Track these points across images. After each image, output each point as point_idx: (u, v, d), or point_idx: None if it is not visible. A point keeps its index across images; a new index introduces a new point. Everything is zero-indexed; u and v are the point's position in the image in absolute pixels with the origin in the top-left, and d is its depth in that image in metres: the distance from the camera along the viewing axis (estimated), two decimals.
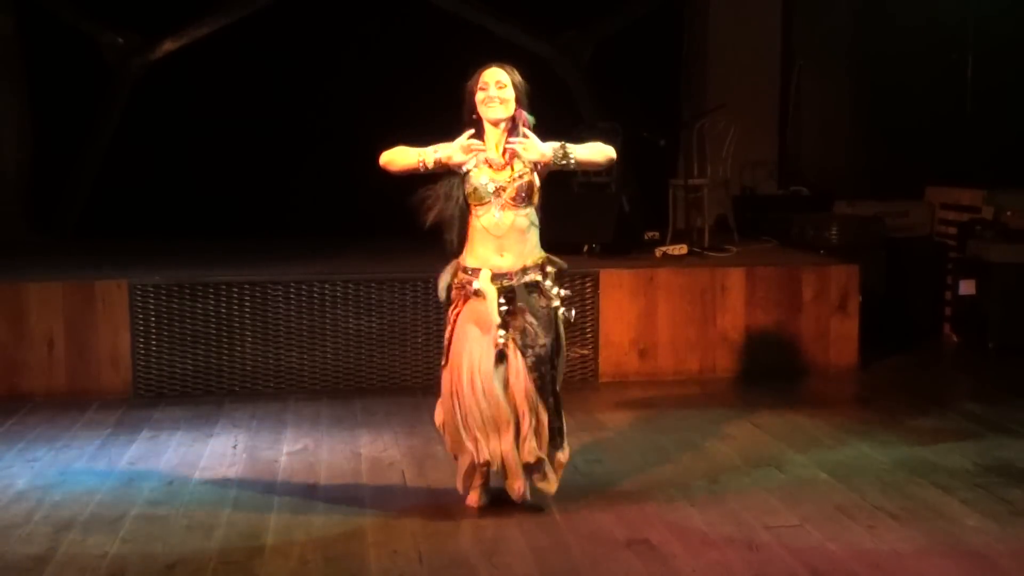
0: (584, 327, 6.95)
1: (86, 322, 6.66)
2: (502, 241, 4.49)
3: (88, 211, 9.68)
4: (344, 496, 4.91)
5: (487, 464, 4.51)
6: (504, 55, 4.64)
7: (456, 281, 4.58)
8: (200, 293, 6.75)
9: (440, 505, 4.70)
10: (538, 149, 4.46)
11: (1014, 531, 4.41)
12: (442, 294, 4.64)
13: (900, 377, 7.22)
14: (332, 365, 6.88)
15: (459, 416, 4.51)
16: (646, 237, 8.25)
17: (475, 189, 4.49)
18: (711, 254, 7.84)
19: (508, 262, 4.51)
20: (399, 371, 6.94)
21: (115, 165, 9.67)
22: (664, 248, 7.78)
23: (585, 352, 6.91)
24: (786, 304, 7.21)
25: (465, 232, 4.55)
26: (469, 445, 4.49)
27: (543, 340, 4.49)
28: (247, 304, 6.79)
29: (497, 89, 4.48)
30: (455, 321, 4.56)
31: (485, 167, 4.51)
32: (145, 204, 9.61)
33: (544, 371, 4.50)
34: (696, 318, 7.11)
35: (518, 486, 4.52)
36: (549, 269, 4.59)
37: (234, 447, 5.69)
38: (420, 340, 6.92)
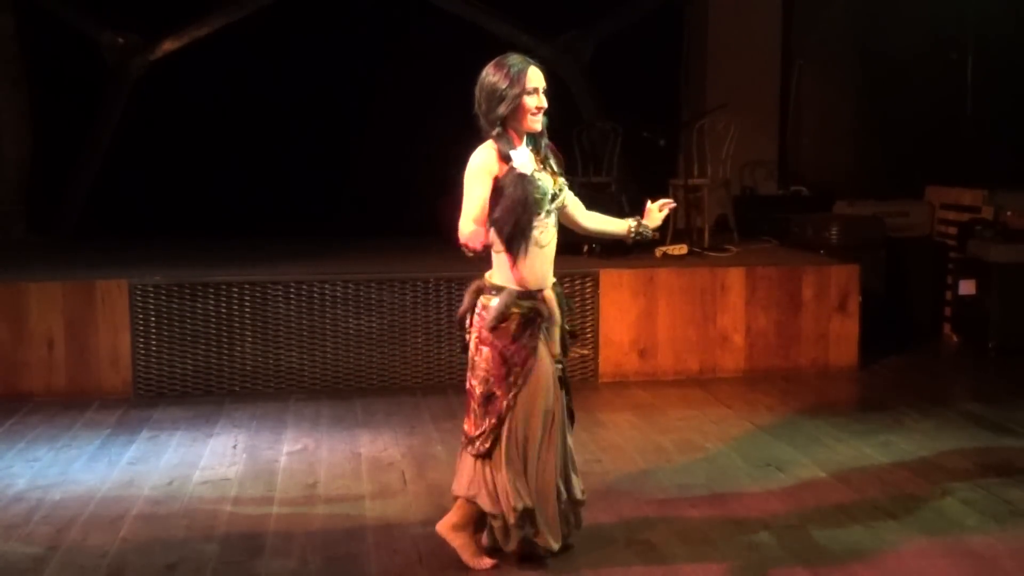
0: (584, 327, 6.95)
1: (86, 322, 6.66)
2: (549, 257, 3.99)
3: (88, 211, 9.69)
4: (344, 496, 4.91)
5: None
6: (502, 53, 4.09)
7: (522, 308, 3.93)
8: (200, 293, 6.74)
9: (440, 505, 4.69)
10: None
11: (1014, 531, 4.41)
12: (493, 322, 3.92)
13: (900, 377, 7.22)
14: (332, 365, 6.88)
15: (533, 460, 3.97)
16: None
17: (544, 196, 3.92)
18: (711, 254, 7.84)
19: (550, 280, 4.04)
20: (399, 371, 6.94)
21: (115, 165, 9.68)
22: (664, 248, 7.77)
23: (585, 352, 6.90)
24: (786, 304, 7.21)
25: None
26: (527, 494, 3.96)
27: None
28: (247, 304, 6.79)
29: (544, 96, 3.93)
30: (527, 358, 3.93)
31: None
32: (145, 204, 9.63)
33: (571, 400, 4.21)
34: (696, 318, 7.11)
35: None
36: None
37: (234, 447, 5.69)
38: (420, 340, 6.92)
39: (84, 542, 4.37)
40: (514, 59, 3.94)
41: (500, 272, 3.97)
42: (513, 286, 3.94)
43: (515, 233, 3.84)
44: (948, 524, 4.48)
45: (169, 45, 9.68)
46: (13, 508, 4.77)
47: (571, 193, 4.17)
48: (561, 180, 4.07)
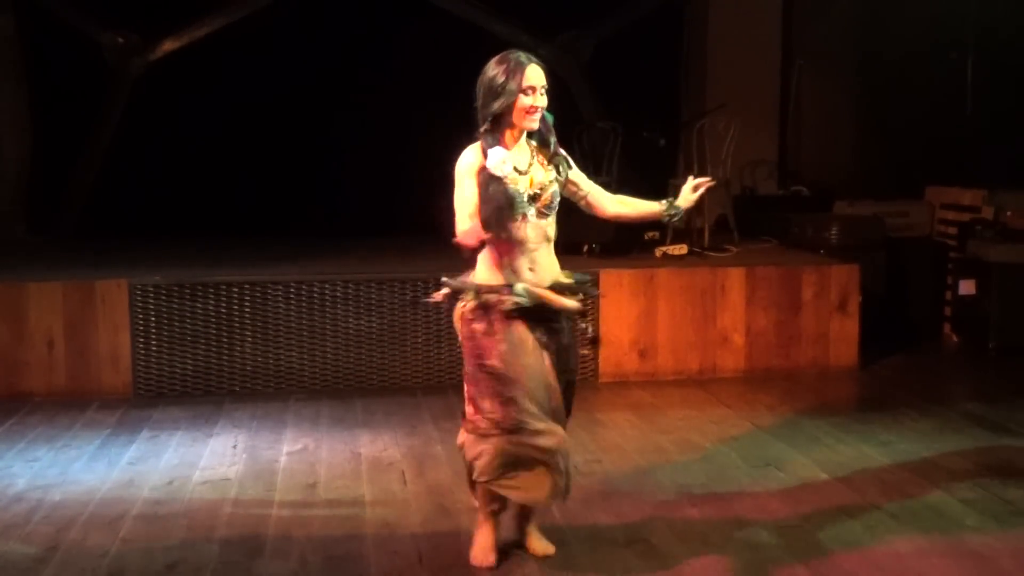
0: (584, 327, 6.94)
1: (86, 322, 6.66)
2: (533, 255, 3.98)
3: (88, 211, 9.68)
4: (344, 496, 4.91)
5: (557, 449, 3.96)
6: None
7: (482, 302, 3.96)
8: (200, 293, 6.74)
9: (440, 505, 4.70)
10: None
11: (1014, 531, 4.40)
12: (457, 323, 4.05)
13: (900, 377, 7.22)
14: (332, 365, 6.88)
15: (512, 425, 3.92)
16: (646, 237, 8.25)
17: (511, 200, 3.92)
18: (711, 254, 7.84)
19: (537, 277, 4.00)
20: (399, 371, 6.94)
21: (115, 165, 9.68)
22: (664, 248, 7.78)
23: (585, 352, 6.89)
24: (786, 304, 7.21)
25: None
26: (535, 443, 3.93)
27: (573, 365, 4.12)
28: (247, 304, 6.79)
29: (541, 95, 3.91)
30: (494, 345, 3.94)
31: (513, 172, 3.95)
32: (145, 204, 9.62)
33: (571, 401, 4.12)
34: (696, 318, 7.11)
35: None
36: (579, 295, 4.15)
37: (234, 447, 5.69)
38: (420, 340, 6.92)
39: (84, 542, 4.37)
40: (516, 55, 3.93)
41: (481, 266, 4.01)
42: (484, 280, 3.97)
43: (495, 231, 3.88)
44: (948, 524, 4.48)
45: (169, 45, 9.67)
46: (13, 508, 4.77)
47: (591, 183, 4.16)
48: (546, 180, 3.98)
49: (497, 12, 9.83)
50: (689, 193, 4.17)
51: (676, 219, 4.29)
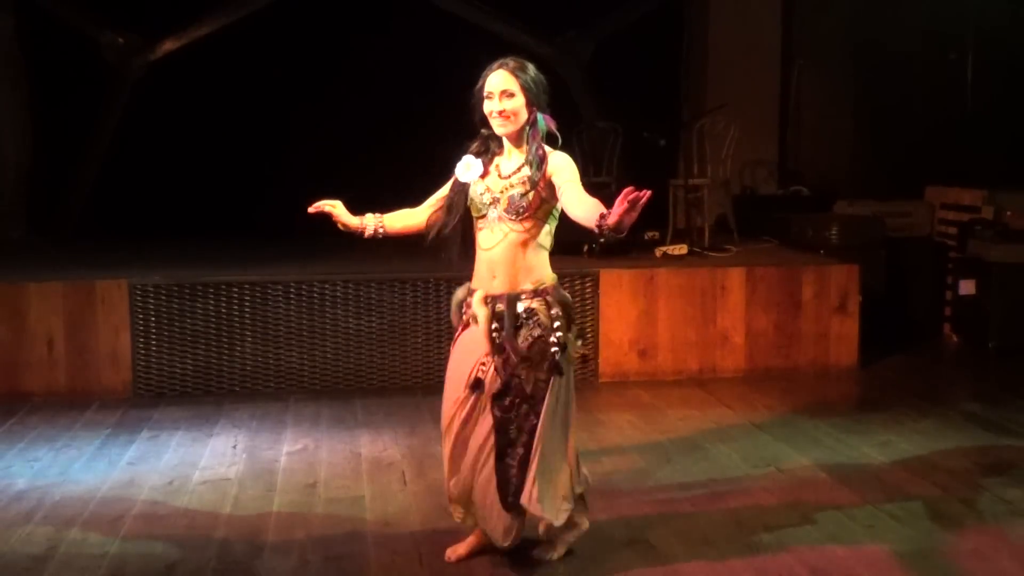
0: (584, 327, 6.95)
1: (86, 322, 6.66)
2: (493, 260, 3.93)
3: (88, 211, 9.68)
4: (344, 496, 4.91)
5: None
6: (505, 55, 4.02)
7: (466, 302, 4.06)
8: (200, 293, 6.75)
9: (440, 505, 4.69)
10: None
11: (1014, 531, 4.41)
12: (454, 318, 4.14)
13: (900, 377, 7.22)
14: (332, 365, 6.88)
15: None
16: (646, 237, 8.25)
17: (472, 200, 3.98)
18: (711, 254, 7.85)
19: (497, 285, 3.94)
20: (399, 371, 6.94)
21: (115, 165, 9.68)
22: (664, 248, 7.78)
23: (585, 352, 6.90)
24: (786, 304, 7.21)
25: (470, 248, 4.05)
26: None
27: (523, 374, 3.87)
28: (247, 304, 6.79)
29: (503, 100, 3.86)
30: (452, 346, 4.17)
31: (494, 173, 3.97)
32: (145, 204, 9.62)
33: (512, 408, 3.92)
34: (696, 318, 7.12)
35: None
36: (551, 300, 3.97)
37: (234, 447, 5.69)
38: (420, 340, 6.93)
39: (84, 542, 4.37)
40: (497, 61, 3.96)
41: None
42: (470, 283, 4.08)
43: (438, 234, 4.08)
44: (948, 524, 4.48)
45: (169, 45, 9.67)
46: (13, 508, 4.77)
47: (566, 185, 3.96)
48: (513, 181, 3.92)
49: (497, 13, 9.83)
50: (617, 207, 3.48)
51: (605, 237, 3.65)
